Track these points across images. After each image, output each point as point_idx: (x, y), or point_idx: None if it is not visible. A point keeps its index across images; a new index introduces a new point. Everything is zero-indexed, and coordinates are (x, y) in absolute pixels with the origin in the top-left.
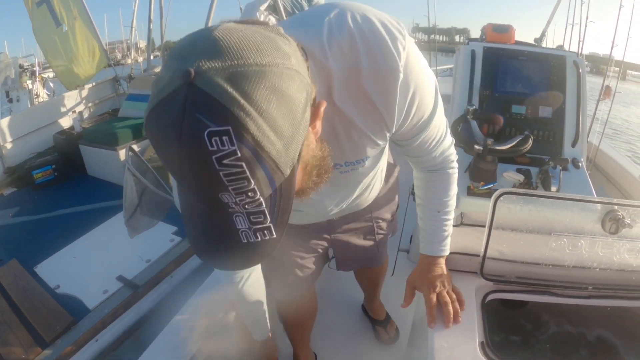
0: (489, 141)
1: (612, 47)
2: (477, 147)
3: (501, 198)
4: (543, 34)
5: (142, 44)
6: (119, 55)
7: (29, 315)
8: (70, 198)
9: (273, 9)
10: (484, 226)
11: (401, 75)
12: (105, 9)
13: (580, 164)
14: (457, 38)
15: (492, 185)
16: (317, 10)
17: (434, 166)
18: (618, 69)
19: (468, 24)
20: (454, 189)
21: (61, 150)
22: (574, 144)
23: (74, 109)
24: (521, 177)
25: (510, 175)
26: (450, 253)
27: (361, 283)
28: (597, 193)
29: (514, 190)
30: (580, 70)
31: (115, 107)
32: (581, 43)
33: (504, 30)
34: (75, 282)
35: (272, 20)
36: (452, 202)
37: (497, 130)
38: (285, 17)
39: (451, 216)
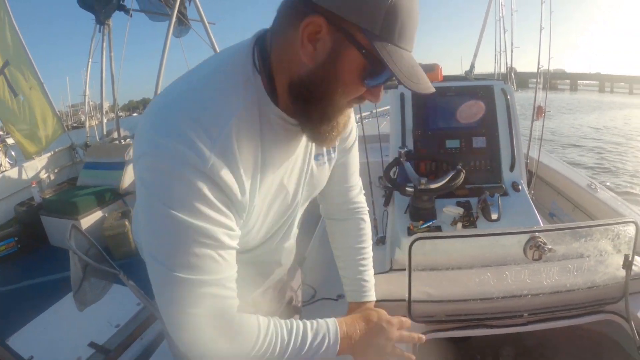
0: (422, 181)
1: (538, 67)
2: (408, 188)
3: (415, 244)
4: (472, 66)
5: (106, 104)
6: (82, 117)
7: None
8: (35, 269)
9: None
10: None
11: None
12: (67, 71)
13: (520, 187)
14: None
15: (431, 222)
16: None
17: (351, 210)
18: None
19: (437, 59)
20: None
21: (23, 221)
22: (512, 168)
23: (32, 179)
24: (461, 210)
25: (449, 209)
26: (379, 301)
27: None
28: (551, 208)
29: (426, 234)
30: (509, 97)
31: (73, 176)
32: (508, 69)
33: (430, 70)
34: (49, 351)
35: None
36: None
37: (434, 167)
38: None
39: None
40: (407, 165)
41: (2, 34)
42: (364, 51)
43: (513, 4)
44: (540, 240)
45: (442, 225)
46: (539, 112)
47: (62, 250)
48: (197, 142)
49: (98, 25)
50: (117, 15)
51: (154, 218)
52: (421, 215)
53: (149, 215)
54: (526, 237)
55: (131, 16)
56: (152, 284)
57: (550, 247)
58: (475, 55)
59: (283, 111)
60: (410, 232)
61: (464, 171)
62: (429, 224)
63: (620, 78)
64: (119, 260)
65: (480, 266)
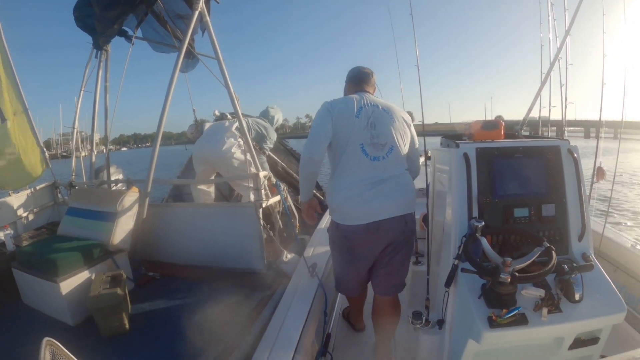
0: (508, 261)
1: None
2: (503, 276)
3: None
4: (524, 122)
5: (96, 136)
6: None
7: None
8: (3, 331)
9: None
10: None
11: None
12: (60, 99)
13: (591, 259)
14: None
15: (516, 311)
16: None
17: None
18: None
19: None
20: None
21: None
22: (580, 238)
23: (6, 220)
24: (542, 292)
25: (529, 292)
26: None
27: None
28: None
29: None
30: (576, 155)
31: (54, 220)
32: (564, 125)
33: (493, 127)
34: None
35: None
36: None
37: (501, 240)
38: (250, 138)
39: None
40: (484, 242)
41: None
42: None
43: (568, 57)
44: None
45: (525, 312)
46: (599, 174)
47: (35, 312)
48: None
49: (95, 51)
50: (117, 42)
51: None
52: (502, 302)
53: None
54: None
55: (133, 44)
56: None
57: None
58: (529, 111)
59: None
60: (493, 323)
61: (554, 249)
62: (514, 312)
63: (604, 124)
64: (106, 336)
65: None
